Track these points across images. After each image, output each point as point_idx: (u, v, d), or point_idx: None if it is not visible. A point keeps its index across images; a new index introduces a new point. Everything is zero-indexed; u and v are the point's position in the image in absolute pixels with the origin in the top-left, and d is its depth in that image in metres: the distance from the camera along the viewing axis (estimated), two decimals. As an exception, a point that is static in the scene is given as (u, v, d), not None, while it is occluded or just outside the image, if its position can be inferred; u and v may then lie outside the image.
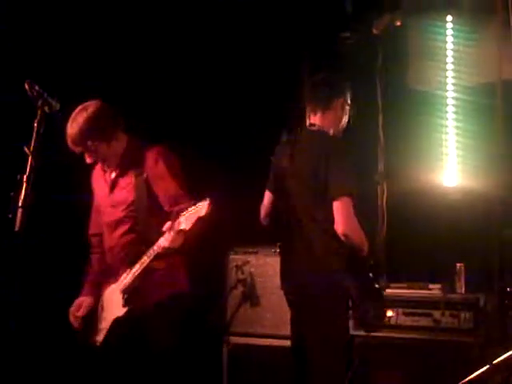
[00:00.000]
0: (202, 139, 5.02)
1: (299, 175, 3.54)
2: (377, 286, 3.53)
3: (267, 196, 3.78)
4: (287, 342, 4.35)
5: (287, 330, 4.43)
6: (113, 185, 3.61)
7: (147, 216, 3.51)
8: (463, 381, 2.88)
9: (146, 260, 3.42)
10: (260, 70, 5.10)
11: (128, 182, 3.56)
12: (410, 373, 3.93)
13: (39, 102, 2.97)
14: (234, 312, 4.51)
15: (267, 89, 5.07)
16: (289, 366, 4.37)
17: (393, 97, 4.47)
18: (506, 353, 2.99)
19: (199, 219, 3.23)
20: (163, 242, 3.34)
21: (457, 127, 4.57)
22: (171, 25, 5.05)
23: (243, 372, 4.56)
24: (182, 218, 3.27)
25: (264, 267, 4.56)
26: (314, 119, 3.67)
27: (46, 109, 2.98)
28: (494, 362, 2.91)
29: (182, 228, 3.26)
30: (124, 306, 3.49)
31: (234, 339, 4.55)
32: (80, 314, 3.65)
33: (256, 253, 4.61)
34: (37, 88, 2.97)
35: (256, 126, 5.03)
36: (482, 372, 2.87)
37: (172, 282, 3.56)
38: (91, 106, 3.50)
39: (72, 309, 3.68)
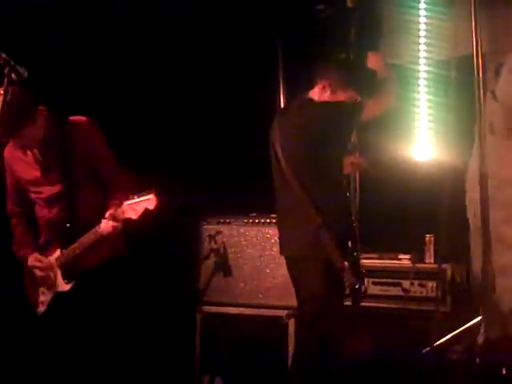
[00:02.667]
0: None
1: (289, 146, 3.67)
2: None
3: None
4: (259, 311, 4.46)
5: (259, 299, 4.53)
6: (43, 162, 3.57)
7: (80, 192, 3.53)
8: (427, 348, 2.95)
9: (85, 243, 3.44)
10: (230, 50, 5.11)
11: (56, 158, 3.54)
12: (379, 339, 4.01)
13: (6, 70, 2.92)
14: (206, 282, 4.55)
15: (238, 69, 5.08)
16: (261, 335, 4.46)
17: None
18: (469, 322, 3.07)
19: (147, 211, 3.29)
20: (105, 229, 3.39)
21: (429, 100, 4.61)
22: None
23: (216, 341, 4.62)
24: (125, 207, 3.32)
25: (237, 237, 4.59)
26: (312, 92, 3.78)
27: (14, 76, 2.94)
28: (458, 330, 2.99)
29: (127, 217, 3.32)
30: (67, 282, 3.53)
31: (207, 308, 4.59)
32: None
33: (229, 223, 4.64)
34: (3, 55, 2.91)
35: (227, 99, 5.06)
36: (446, 340, 2.95)
37: (110, 247, 3.56)
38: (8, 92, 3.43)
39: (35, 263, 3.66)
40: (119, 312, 3.65)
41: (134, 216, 3.31)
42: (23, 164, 3.63)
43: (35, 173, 3.59)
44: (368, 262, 4.19)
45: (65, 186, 3.53)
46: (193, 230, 4.69)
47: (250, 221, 4.59)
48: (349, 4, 4.56)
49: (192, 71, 5.06)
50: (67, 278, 3.54)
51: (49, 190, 3.58)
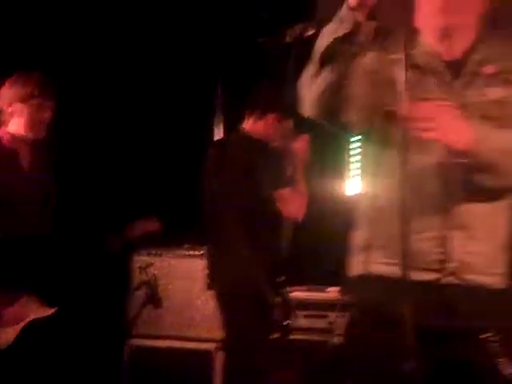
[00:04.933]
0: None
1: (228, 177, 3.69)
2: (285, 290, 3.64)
3: None
4: (189, 344, 4.42)
5: (190, 332, 4.49)
6: None
7: None
8: None
9: None
10: (173, 76, 5.13)
11: None
12: (303, 373, 3.99)
13: None
14: (136, 314, 4.50)
15: (173, 100, 5.10)
16: (190, 368, 4.41)
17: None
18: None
19: None
20: None
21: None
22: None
23: (144, 374, 4.55)
24: None
25: (168, 269, 4.57)
26: (246, 124, 3.80)
27: None
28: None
29: None
30: None
31: (136, 341, 4.53)
32: None
33: (160, 255, 4.61)
34: None
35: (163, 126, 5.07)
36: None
37: None
38: None
39: None
40: (46, 345, 3.57)
41: None
42: None
43: None
44: (296, 294, 4.20)
45: None
46: (123, 262, 4.64)
47: (182, 253, 4.58)
48: (287, 39, 4.65)
49: (124, 102, 5.05)
50: None
51: None
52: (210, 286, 3.82)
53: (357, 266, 2.18)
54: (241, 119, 3.96)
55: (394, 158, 2.02)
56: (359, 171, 4.64)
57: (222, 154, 3.82)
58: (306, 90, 2.11)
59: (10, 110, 3.39)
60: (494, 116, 2.07)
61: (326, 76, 2.03)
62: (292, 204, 3.63)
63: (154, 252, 4.62)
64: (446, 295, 2.04)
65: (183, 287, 4.50)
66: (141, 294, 4.52)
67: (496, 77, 2.12)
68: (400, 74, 1.91)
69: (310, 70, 2.10)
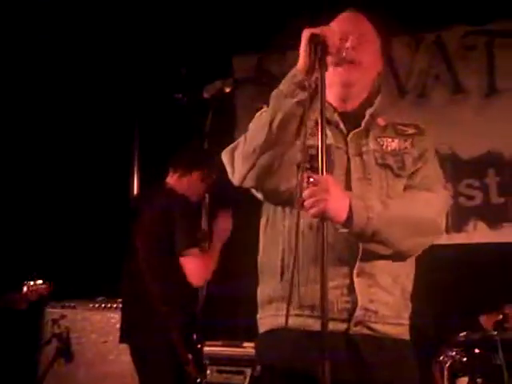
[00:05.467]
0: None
1: (146, 232, 3.65)
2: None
3: None
4: (99, 400, 4.33)
5: (100, 388, 4.39)
6: None
7: None
8: None
9: None
10: (92, 125, 5.13)
11: None
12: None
13: None
14: (46, 368, 4.38)
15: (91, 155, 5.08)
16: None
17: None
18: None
19: None
20: None
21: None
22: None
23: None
24: None
25: (81, 322, 4.50)
26: (170, 179, 3.80)
27: None
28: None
29: None
30: None
31: (46, 396, 4.40)
32: None
33: (73, 307, 4.54)
34: None
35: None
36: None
37: None
38: None
39: None
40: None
41: None
42: None
43: None
44: (212, 349, 4.20)
45: None
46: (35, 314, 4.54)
47: (96, 305, 4.52)
48: (205, 95, 4.74)
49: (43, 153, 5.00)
50: None
51: None
52: (122, 340, 3.78)
53: (264, 321, 2.24)
54: (158, 174, 3.99)
55: (287, 214, 2.17)
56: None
57: (143, 208, 3.83)
58: (242, 162, 2.13)
59: None
60: (390, 165, 2.21)
61: (274, 153, 2.08)
62: (196, 266, 3.62)
63: (67, 304, 4.54)
64: (354, 346, 2.09)
65: (96, 340, 4.42)
66: (52, 347, 4.43)
67: (389, 128, 2.30)
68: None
69: (250, 143, 2.12)
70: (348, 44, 2.19)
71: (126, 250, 3.78)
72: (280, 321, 2.12)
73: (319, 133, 1.98)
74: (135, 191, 5.02)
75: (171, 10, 5.02)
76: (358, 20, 2.32)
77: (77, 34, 4.96)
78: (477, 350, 3.38)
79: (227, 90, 4.85)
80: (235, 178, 2.19)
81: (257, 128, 2.14)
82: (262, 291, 2.26)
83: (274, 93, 2.13)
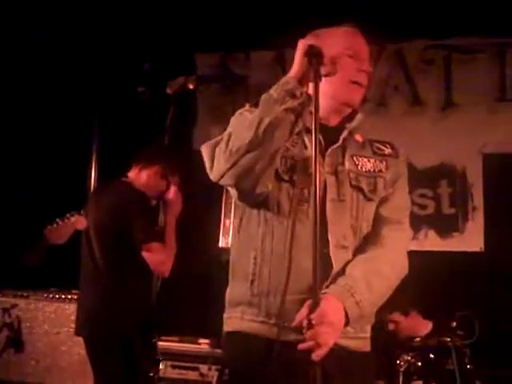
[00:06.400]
0: None
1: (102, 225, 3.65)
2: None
3: None
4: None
5: (52, 379, 4.34)
6: None
7: None
8: None
9: None
10: (51, 116, 5.06)
11: None
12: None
13: None
14: (-5, 357, 4.32)
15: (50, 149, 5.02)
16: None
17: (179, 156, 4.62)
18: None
19: None
20: None
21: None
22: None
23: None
24: None
25: (33, 312, 4.43)
26: (131, 173, 3.80)
27: None
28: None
29: None
30: None
31: (-6, 386, 4.34)
32: None
33: (27, 296, 4.47)
34: None
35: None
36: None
37: None
38: None
39: None
40: None
41: None
42: None
43: None
44: (167, 344, 4.21)
45: None
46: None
47: (50, 296, 4.46)
48: (168, 91, 4.73)
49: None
50: None
51: None
52: (78, 332, 3.75)
53: (229, 321, 2.25)
54: (116, 168, 3.97)
55: (262, 222, 2.19)
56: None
57: (100, 200, 3.81)
58: (224, 160, 2.12)
59: None
60: (362, 188, 2.25)
61: (257, 156, 2.08)
62: (158, 259, 3.63)
63: (19, 293, 4.47)
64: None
65: (49, 331, 4.37)
66: (2, 336, 4.36)
67: (366, 145, 2.33)
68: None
69: (234, 142, 2.11)
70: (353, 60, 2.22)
71: (82, 243, 3.76)
72: (245, 325, 2.17)
73: (312, 145, 1.99)
74: (93, 184, 4.97)
75: (138, 5, 5.00)
76: (356, 36, 2.32)
77: (42, 25, 4.89)
78: (431, 355, 3.50)
79: (190, 86, 4.88)
80: (213, 174, 2.19)
81: (243, 127, 2.13)
82: (231, 292, 2.28)
83: (264, 97, 2.13)
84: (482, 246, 4.77)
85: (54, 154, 4.98)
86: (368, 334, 2.27)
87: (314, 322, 1.98)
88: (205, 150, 2.24)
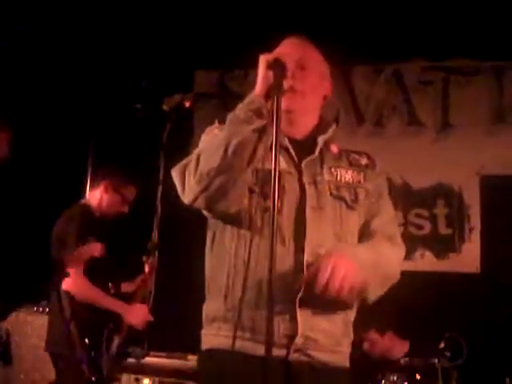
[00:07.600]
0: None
1: None
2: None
3: None
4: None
5: (38, 393, 4.32)
6: None
7: None
8: None
9: None
10: (48, 133, 5.08)
11: None
12: None
13: None
14: (-18, 370, 4.30)
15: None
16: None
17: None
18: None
19: None
20: None
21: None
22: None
23: None
24: None
25: (22, 325, 4.42)
26: (87, 194, 3.99)
27: None
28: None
29: None
30: None
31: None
32: None
33: (16, 310, 4.46)
34: None
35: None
36: None
37: None
38: None
39: None
40: None
41: None
42: None
43: None
44: (155, 360, 4.17)
45: None
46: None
47: (40, 309, 4.44)
48: (165, 108, 4.74)
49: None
50: None
51: None
52: (47, 348, 3.83)
53: (206, 339, 2.23)
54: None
55: (235, 236, 2.17)
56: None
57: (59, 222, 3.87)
58: (195, 183, 2.09)
59: None
60: (344, 197, 2.24)
61: (228, 177, 2.06)
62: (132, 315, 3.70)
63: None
64: (292, 372, 2.10)
65: (37, 345, 4.34)
66: (-10, 349, 4.35)
67: (343, 157, 2.32)
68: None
69: (204, 165, 2.07)
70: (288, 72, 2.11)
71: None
72: (220, 341, 2.15)
73: (272, 158, 1.94)
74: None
75: (136, 22, 5.03)
76: (298, 45, 2.29)
77: (40, 40, 4.93)
78: (418, 376, 3.44)
79: (187, 104, 4.87)
80: (186, 198, 2.15)
81: (212, 148, 2.10)
82: (207, 307, 2.26)
83: (231, 117, 2.10)
84: (479, 267, 4.73)
85: (50, 170, 4.98)
86: (346, 349, 2.24)
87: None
88: (175, 173, 2.21)
